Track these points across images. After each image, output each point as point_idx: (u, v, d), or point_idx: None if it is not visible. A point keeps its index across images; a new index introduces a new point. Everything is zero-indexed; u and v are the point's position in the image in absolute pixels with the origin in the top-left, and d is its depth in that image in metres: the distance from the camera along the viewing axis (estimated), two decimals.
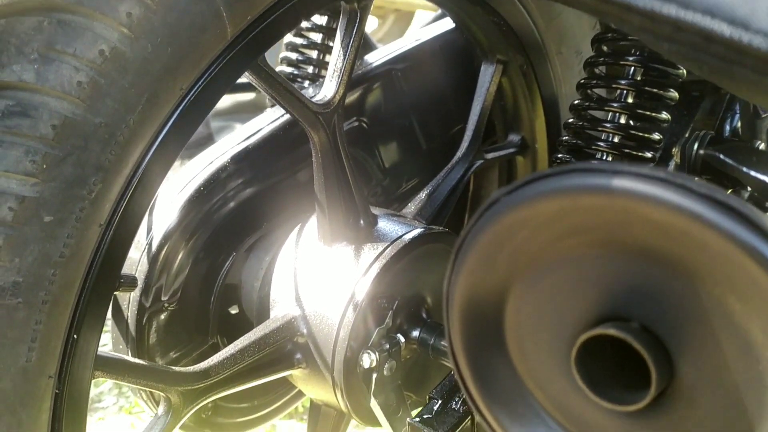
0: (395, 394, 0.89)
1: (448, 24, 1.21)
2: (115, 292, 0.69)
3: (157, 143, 0.60)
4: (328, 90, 0.83)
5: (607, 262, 0.40)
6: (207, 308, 0.96)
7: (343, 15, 0.82)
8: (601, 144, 0.89)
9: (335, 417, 0.98)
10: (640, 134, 0.87)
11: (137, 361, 0.73)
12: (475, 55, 1.13)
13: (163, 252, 0.88)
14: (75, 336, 0.59)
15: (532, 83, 1.12)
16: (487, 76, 1.09)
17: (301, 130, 0.99)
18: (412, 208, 1.03)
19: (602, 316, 0.41)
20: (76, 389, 0.62)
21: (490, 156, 1.13)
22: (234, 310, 1.02)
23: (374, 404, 0.86)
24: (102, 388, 1.67)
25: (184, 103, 0.61)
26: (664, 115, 0.88)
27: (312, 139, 0.83)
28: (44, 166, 0.52)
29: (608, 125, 0.88)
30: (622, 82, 0.86)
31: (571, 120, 0.94)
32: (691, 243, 0.35)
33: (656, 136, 0.88)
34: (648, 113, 0.87)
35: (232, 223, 0.94)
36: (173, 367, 0.77)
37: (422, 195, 1.04)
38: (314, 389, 0.91)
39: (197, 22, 0.59)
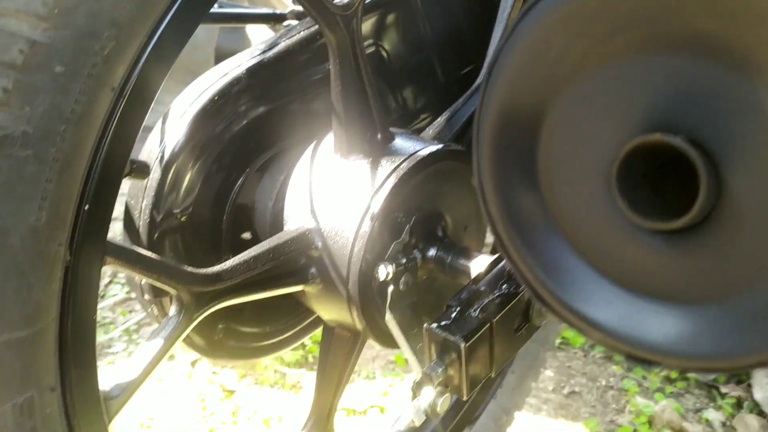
0: (411, 311, 0.87)
1: None
2: (126, 178, 0.68)
3: (174, 8, 0.58)
4: None
5: (655, 65, 0.37)
6: (219, 226, 0.94)
7: None
8: None
9: (349, 340, 0.96)
10: None
11: (149, 253, 0.71)
12: None
13: (176, 163, 0.87)
14: (86, 207, 0.57)
15: None
16: (509, 0, 1.06)
17: (319, 47, 0.97)
18: (430, 132, 1.00)
19: (647, 131, 0.38)
20: (87, 267, 0.60)
21: None
22: (247, 236, 1.00)
23: (390, 319, 0.84)
24: (112, 335, 1.66)
25: None
26: None
27: (330, 43, 0.81)
28: (55, 11, 0.50)
29: None
30: None
31: None
32: (751, 14, 0.32)
33: None
34: None
35: (245, 138, 0.92)
36: (185, 267, 0.75)
37: (441, 119, 1.02)
38: (328, 307, 0.89)
39: None
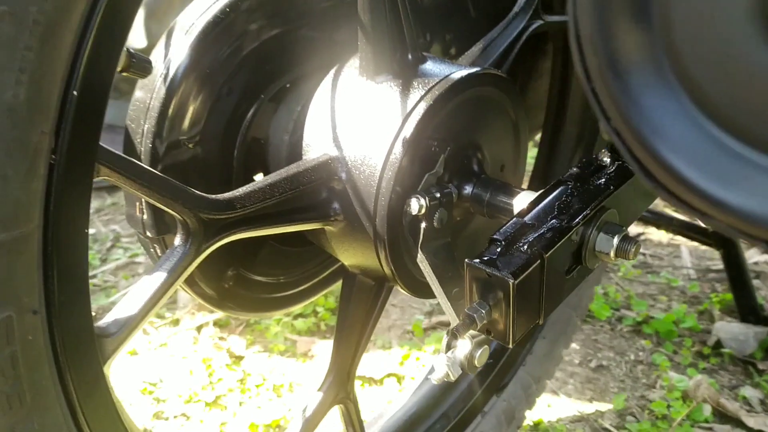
0: (445, 253, 0.77)
1: None
2: (124, 73, 0.59)
3: None
4: None
5: None
6: (230, 162, 0.84)
7: None
8: None
9: (373, 289, 0.87)
10: None
11: (151, 169, 0.62)
12: None
13: (182, 84, 0.77)
14: (74, 93, 0.48)
15: None
16: None
17: None
18: (463, 61, 0.91)
19: None
20: (76, 169, 0.50)
21: (549, 19, 1.00)
22: (261, 177, 0.91)
23: (422, 259, 0.74)
24: (114, 298, 1.57)
25: None
26: None
27: None
28: None
29: None
30: None
31: None
32: None
33: None
34: None
35: (258, 60, 0.82)
36: (193, 190, 0.65)
37: (474, 49, 0.92)
38: (351, 248, 0.80)
39: None
